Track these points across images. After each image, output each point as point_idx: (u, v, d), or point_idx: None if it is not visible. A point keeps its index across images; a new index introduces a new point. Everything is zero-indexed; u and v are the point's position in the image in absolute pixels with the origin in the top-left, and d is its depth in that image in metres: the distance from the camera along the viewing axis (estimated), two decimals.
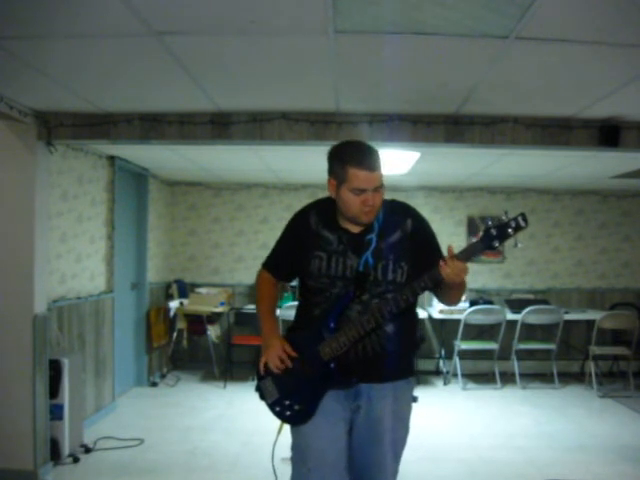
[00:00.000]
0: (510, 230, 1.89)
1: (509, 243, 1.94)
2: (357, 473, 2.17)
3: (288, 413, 2.16)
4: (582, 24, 2.13)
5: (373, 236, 2.10)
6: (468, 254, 1.93)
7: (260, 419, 4.98)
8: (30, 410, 3.61)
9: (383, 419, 2.13)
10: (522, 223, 1.88)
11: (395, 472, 2.21)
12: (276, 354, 2.14)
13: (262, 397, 2.25)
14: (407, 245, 2.11)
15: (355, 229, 2.13)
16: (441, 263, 1.92)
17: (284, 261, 2.28)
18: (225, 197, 7.13)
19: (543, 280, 7.11)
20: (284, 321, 5.48)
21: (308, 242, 2.15)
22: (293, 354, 2.14)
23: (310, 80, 2.93)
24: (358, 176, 2.00)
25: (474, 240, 1.97)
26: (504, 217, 1.91)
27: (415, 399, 2.27)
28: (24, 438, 3.60)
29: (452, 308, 5.79)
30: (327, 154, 2.13)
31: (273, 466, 2.49)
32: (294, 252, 2.20)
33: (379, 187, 2.04)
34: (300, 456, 2.14)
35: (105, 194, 5.08)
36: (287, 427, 2.23)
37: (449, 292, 2.10)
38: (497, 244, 1.90)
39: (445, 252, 2.02)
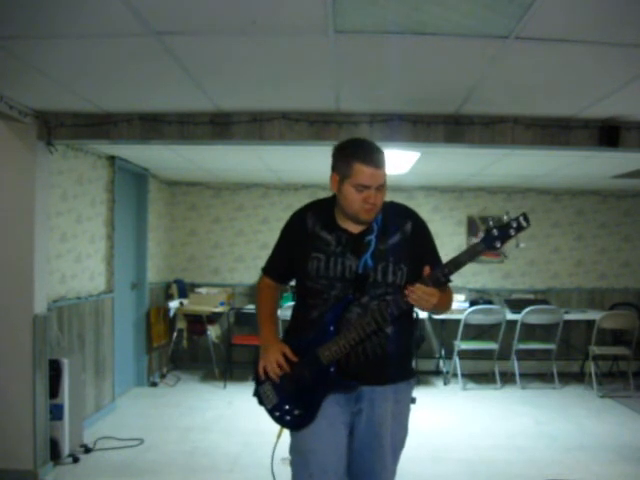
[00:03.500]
0: (512, 230, 1.86)
1: (511, 243, 1.91)
2: (356, 476, 2.14)
3: (288, 418, 2.12)
4: (582, 24, 2.14)
5: (373, 237, 2.07)
6: (470, 255, 1.90)
7: (260, 419, 4.94)
8: (30, 410, 3.61)
9: (384, 422, 2.09)
10: (524, 223, 1.86)
11: (394, 472, 2.20)
12: (275, 359, 2.10)
13: (261, 402, 2.21)
14: (406, 247, 2.08)
15: (354, 229, 2.09)
16: (406, 291, 1.91)
17: (282, 265, 2.25)
18: (225, 197, 7.13)
19: (543, 280, 7.11)
20: (284, 321, 5.46)
21: (305, 244, 2.11)
22: (294, 358, 2.10)
23: (310, 80, 2.93)
24: (363, 172, 1.97)
25: (475, 240, 1.94)
26: (505, 217, 1.88)
27: (414, 400, 2.25)
28: (24, 438, 3.60)
29: (452, 308, 5.79)
30: (332, 149, 2.10)
31: (272, 471, 2.47)
32: (291, 255, 2.17)
33: (382, 186, 2.02)
34: (301, 461, 2.08)
35: (105, 194, 5.08)
36: (286, 430, 2.20)
37: None
38: (499, 245, 1.87)
39: (443, 257, 2.02)
